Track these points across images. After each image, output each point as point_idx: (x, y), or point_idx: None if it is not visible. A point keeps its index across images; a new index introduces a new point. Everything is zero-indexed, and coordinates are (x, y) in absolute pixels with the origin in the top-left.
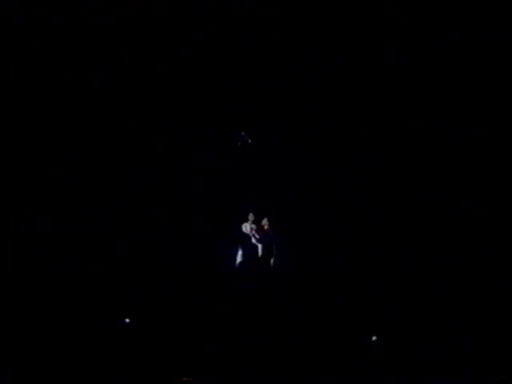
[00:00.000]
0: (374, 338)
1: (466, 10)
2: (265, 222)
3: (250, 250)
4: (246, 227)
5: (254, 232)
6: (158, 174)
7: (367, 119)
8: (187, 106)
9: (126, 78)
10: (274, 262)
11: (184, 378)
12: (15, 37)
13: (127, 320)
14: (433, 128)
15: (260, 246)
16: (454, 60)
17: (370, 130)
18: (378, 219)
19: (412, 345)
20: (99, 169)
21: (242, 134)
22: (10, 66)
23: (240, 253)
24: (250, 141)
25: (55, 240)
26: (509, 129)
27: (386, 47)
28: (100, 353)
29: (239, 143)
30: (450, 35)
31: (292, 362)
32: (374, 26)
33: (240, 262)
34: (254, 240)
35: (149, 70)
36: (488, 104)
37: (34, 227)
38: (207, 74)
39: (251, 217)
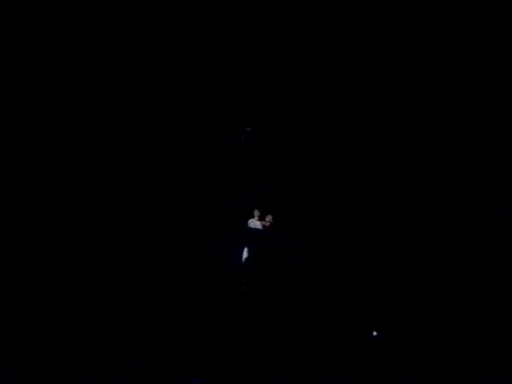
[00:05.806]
0: (374, 333)
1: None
2: (269, 218)
3: (255, 246)
4: (254, 222)
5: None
6: (162, 172)
7: (371, 115)
8: (189, 101)
9: (127, 73)
10: (277, 258)
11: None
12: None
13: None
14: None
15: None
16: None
17: (374, 125)
18: (381, 215)
19: (412, 340)
20: (100, 167)
21: (247, 129)
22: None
23: (246, 249)
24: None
25: (55, 239)
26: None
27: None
28: (101, 349)
29: (242, 139)
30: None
31: (294, 358)
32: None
33: (246, 259)
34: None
35: (148, 66)
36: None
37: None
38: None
39: (257, 213)
